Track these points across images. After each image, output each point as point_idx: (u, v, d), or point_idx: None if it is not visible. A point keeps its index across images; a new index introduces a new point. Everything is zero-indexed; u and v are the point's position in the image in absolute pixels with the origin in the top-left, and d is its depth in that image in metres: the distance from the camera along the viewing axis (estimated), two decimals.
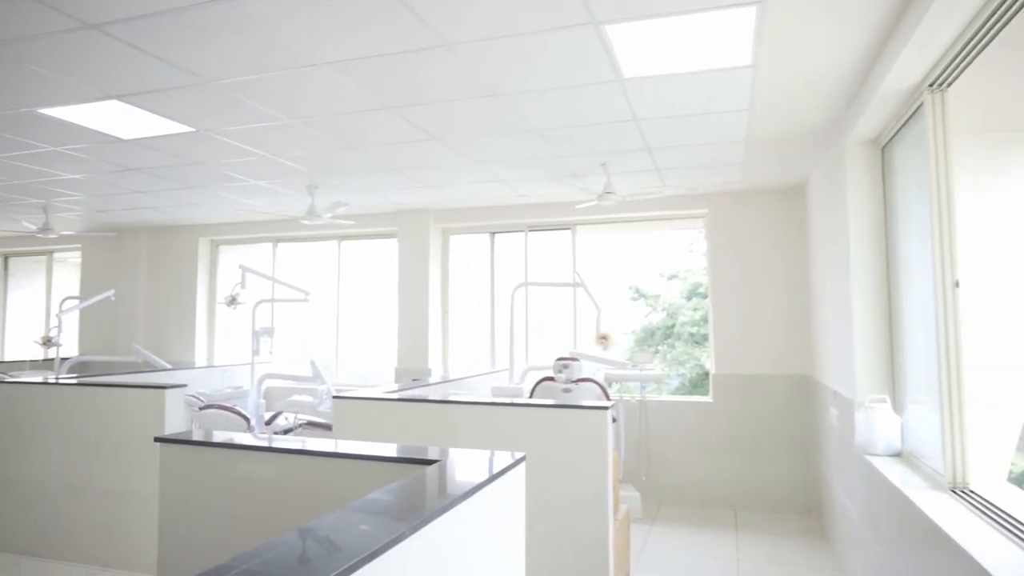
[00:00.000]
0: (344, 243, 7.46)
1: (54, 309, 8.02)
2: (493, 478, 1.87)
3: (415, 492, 1.73)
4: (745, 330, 5.90)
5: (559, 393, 4.66)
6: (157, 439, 2.44)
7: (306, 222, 5.67)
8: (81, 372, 7.25)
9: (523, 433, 3.50)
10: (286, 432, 5.68)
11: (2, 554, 4.63)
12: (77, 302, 7.10)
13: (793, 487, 5.66)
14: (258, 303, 6.44)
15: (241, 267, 6.08)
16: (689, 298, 6.99)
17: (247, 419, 5.47)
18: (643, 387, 5.91)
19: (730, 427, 5.84)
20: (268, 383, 6.79)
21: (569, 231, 6.65)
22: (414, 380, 6.08)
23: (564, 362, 4.67)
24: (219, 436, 2.50)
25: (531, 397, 4.78)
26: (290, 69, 3.09)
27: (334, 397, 3.96)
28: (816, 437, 5.42)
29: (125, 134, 4.16)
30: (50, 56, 2.96)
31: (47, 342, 6.58)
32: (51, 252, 8.82)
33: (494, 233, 7.00)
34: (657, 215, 6.29)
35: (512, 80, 3.25)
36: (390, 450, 2.24)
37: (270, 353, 6.60)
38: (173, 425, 4.36)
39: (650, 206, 6.12)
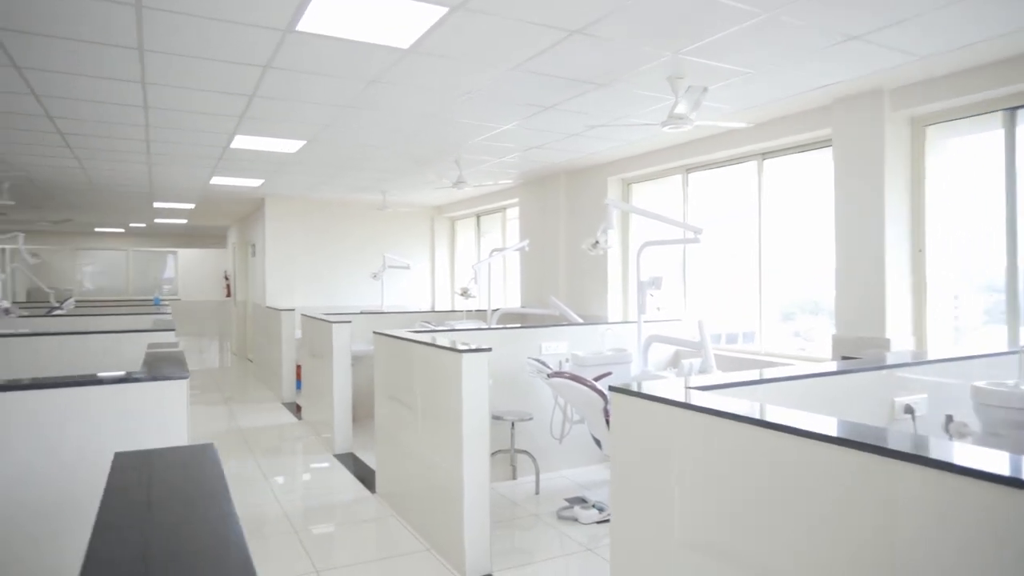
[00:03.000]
0: (767, 162, 5.48)
1: (498, 262, 8.36)
2: None
3: None
4: None
5: None
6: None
7: (668, 129, 4.08)
8: (510, 323, 7.27)
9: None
10: None
11: (386, 505, 4.63)
12: (494, 255, 7.09)
13: None
14: (642, 247, 5.15)
15: (609, 203, 4.88)
16: None
17: (603, 396, 4.30)
18: None
19: None
20: (656, 347, 5.48)
21: None
22: (843, 358, 3.93)
23: None
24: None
25: None
26: None
27: (610, 388, 2.42)
28: None
29: (399, 41, 3.39)
30: None
31: (464, 293, 6.69)
32: (504, 209, 9.29)
33: (1013, 109, 4.00)
34: None
35: None
36: None
37: (657, 309, 5.26)
38: (471, 392, 3.52)
39: None
